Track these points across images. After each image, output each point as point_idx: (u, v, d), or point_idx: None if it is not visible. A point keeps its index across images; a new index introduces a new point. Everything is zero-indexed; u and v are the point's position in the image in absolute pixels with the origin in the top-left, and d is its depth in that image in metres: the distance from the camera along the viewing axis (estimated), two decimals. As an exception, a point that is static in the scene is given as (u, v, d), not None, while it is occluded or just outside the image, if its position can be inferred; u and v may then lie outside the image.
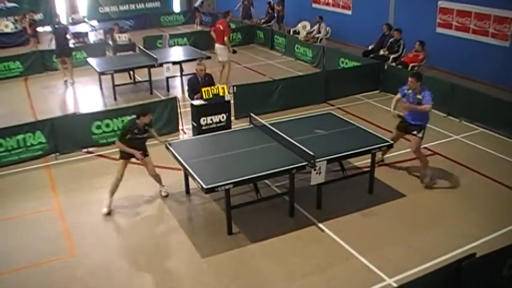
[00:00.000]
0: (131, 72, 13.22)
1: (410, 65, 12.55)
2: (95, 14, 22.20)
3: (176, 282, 5.85)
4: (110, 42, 15.98)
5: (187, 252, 6.37)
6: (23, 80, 14.22)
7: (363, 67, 12.71)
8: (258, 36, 18.18)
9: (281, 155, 7.00)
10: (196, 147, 7.69)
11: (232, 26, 14.43)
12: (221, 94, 8.94)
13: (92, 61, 12.94)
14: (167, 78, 12.73)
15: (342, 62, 13.57)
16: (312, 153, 6.53)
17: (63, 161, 9.03)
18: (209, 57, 12.95)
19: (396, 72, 12.07)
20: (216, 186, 6.15)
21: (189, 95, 9.57)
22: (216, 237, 6.63)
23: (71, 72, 13.72)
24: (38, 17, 20.93)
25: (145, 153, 7.34)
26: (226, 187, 6.22)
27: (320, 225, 6.85)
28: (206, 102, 8.83)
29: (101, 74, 12.27)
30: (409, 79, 7.75)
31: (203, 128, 8.83)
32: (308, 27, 17.72)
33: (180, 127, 10.17)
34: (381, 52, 13.67)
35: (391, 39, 13.55)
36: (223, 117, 9.00)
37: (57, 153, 9.13)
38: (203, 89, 8.83)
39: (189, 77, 10.43)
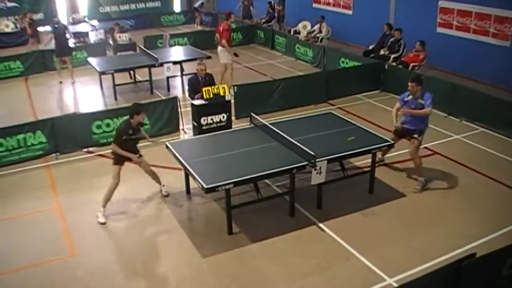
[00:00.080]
0: (132, 72, 13.22)
1: (411, 64, 12.54)
2: (95, 13, 22.20)
3: (176, 282, 5.85)
4: (111, 42, 16.00)
5: (187, 252, 6.37)
6: (23, 80, 14.23)
7: (363, 67, 12.70)
8: (259, 36, 18.18)
9: (281, 154, 6.99)
10: (196, 147, 7.69)
11: (233, 26, 14.43)
12: (221, 94, 8.94)
13: (93, 61, 12.95)
14: (168, 78, 12.73)
15: (343, 62, 13.56)
16: (312, 153, 6.53)
17: (64, 160, 9.03)
18: (209, 57, 12.96)
19: (397, 72, 12.07)
20: (217, 186, 6.15)
21: (189, 95, 9.57)
22: (216, 237, 6.63)
23: (71, 71, 13.72)
24: (38, 16, 20.94)
25: (139, 154, 7.25)
26: (227, 187, 6.22)
27: (320, 225, 6.84)
28: (207, 102, 8.83)
29: (102, 73, 12.26)
30: (409, 84, 7.63)
31: (204, 127, 8.83)
32: (308, 27, 17.72)
33: (181, 127, 10.17)
34: (382, 52, 13.67)
35: (391, 39, 13.55)
36: (223, 117, 9.01)
37: (58, 153, 9.13)
38: (204, 89, 8.84)
39: (189, 76, 10.44)
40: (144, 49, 13.87)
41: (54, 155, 9.12)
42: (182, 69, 13.04)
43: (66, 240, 6.65)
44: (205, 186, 6.11)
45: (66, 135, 9.15)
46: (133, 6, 23.54)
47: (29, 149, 8.92)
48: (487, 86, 11.90)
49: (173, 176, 8.07)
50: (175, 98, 10.22)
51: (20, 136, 8.79)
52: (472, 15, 13.10)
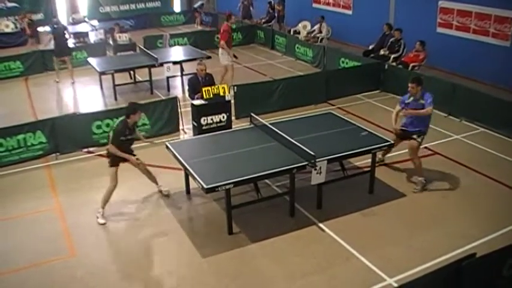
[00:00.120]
0: (132, 72, 13.22)
1: (411, 64, 12.54)
2: (95, 13, 22.20)
3: (176, 282, 5.84)
4: (111, 42, 16.01)
5: (187, 252, 6.37)
6: (23, 80, 14.23)
7: (363, 67, 12.70)
8: (259, 36, 18.18)
9: (281, 154, 6.99)
10: (196, 147, 7.69)
11: (233, 26, 14.42)
12: (221, 94, 8.94)
13: (93, 61, 12.95)
14: (167, 78, 12.73)
15: (343, 62, 13.56)
16: (312, 153, 6.53)
17: (64, 160, 9.03)
18: (209, 57, 12.96)
19: (397, 72, 12.07)
20: (217, 186, 6.15)
21: (189, 95, 9.58)
22: (217, 237, 6.63)
23: (71, 72, 13.72)
24: (38, 17, 20.94)
25: (133, 155, 7.18)
26: (227, 187, 6.22)
27: (320, 225, 6.84)
28: (207, 102, 8.83)
29: (102, 73, 12.27)
30: (410, 85, 7.59)
31: (203, 127, 8.83)
32: (308, 27, 17.72)
33: (181, 127, 10.17)
34: (382, 52, 13.67)
35: (391, 39, 13.55)
36: (223, 117, 9.01)
37: (58, 153, 9.13)
38: (204, 89, 8.84)
39: (189, 76, 10.45)
40: (144, 49, 13.87)
41: (54, 155, 9.12)
42: (182, 69, 13.04)
43: (66, 240, 6.65)
44: (205, 186, 6.11)
45: (66, 135, 9.15)
46: (133, 6, 23.54)
47: (29, 149, 8.92)
48: (487, 86, 11.90)
49: (173, 176, 8.07)
50: (175, 98, 10.22)
51: (20, 136, 8.79)
52: (472, 15, 13.10)
